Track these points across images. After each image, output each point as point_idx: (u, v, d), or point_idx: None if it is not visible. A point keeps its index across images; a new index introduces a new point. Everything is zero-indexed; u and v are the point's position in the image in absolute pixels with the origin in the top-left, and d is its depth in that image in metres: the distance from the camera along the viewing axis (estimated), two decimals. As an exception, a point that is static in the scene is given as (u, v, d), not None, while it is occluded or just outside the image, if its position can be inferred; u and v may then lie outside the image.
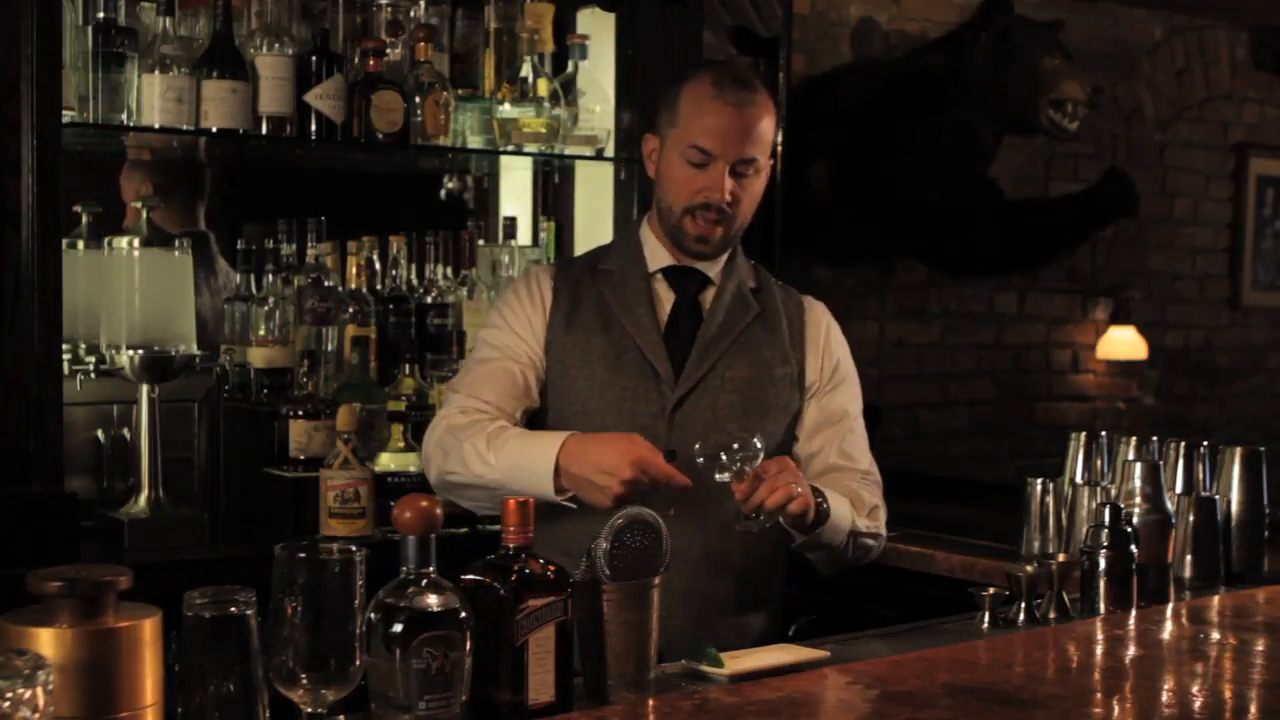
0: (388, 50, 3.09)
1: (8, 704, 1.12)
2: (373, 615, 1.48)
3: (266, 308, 3.04)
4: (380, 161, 3.34)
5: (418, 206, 3.60)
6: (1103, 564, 2.18)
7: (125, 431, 2.90)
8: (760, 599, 2.45)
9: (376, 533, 2.77)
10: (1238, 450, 2.53)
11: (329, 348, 3.04)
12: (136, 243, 2.70)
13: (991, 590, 2.16)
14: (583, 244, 3.44)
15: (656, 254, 2.47)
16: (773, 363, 2.45)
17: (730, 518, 2.25)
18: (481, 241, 3.40)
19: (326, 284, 3.06)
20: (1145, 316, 5.86)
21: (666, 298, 2.46)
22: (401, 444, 2.88)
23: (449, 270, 3.27)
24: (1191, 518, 2.44)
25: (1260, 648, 2.03)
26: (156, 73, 2.78)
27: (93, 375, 2.77)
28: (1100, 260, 5.84)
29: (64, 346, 2.65)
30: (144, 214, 2.79)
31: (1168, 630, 2.15)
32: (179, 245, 2.77)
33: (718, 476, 2.18)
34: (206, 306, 3.12)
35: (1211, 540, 2.45)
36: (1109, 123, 5.72)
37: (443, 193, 3.64)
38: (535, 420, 2.45)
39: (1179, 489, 2.46)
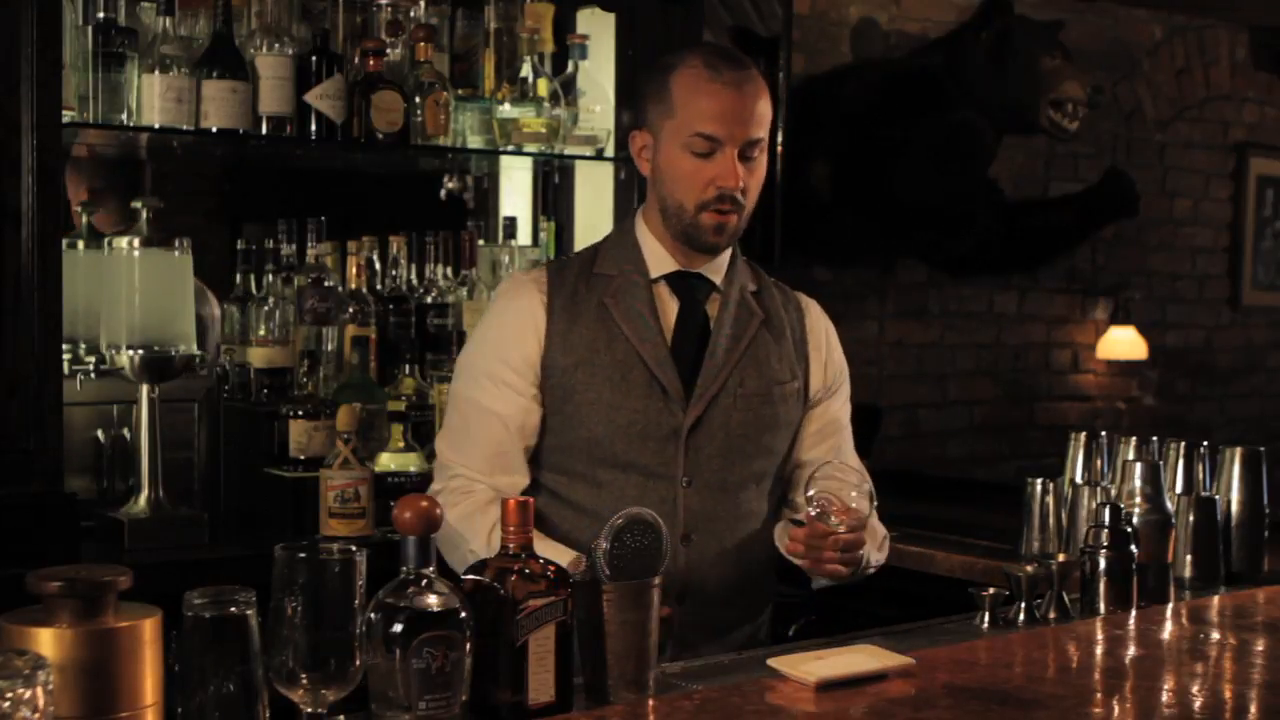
0: (388, 50, 3.09)
1: (8, 704, 1.12)
2: (373, 615, 1.48)
3: (266, 308, 3.04)
4: (380, 161, 3.34)
5: (418, 206, 3.60)
6: (1103, 564, 2.18)
7: (125, 431, 2.89)
8: (760, 611, 2.40)
9: (376, 533, 2.77)
10: (1238, 450, 2.53)
11: (329, 348, 3.04)
12: (136, 243, 2.70)
13: (991, 590, 2.16)
14: (582, 244, 3.41)
15: (657, 258, 2.31)
16: (781, 376, 2.34)
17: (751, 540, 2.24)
18: (481, 241, 3.40)
19: (326, 284, 3.06)
20: (1145, 316, 5.87)
21: (670, 307, 2.31)
22: (401, 444, 2.88)
23: (449, 270, 3.27)
24: (1191, 518, 2.44)
25: (1260, 648, 2.03)
26: (156, 73, 2.78)
27: (93, 375, 2.77)
28: (1100, 260, 5.84)
29: (64, 346, 2.65)
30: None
31: (1168, 630, 2.15)
32: (179, 245, 2.77)
33: (834, 521, 2.13)
34: None
35: (1211, 540, 2.45)
36: (1109, 123, 5.72)
37: (443, 193, 3.64)
38: (536, 445, 2.31)
39: (1179, 489, 2.46)
